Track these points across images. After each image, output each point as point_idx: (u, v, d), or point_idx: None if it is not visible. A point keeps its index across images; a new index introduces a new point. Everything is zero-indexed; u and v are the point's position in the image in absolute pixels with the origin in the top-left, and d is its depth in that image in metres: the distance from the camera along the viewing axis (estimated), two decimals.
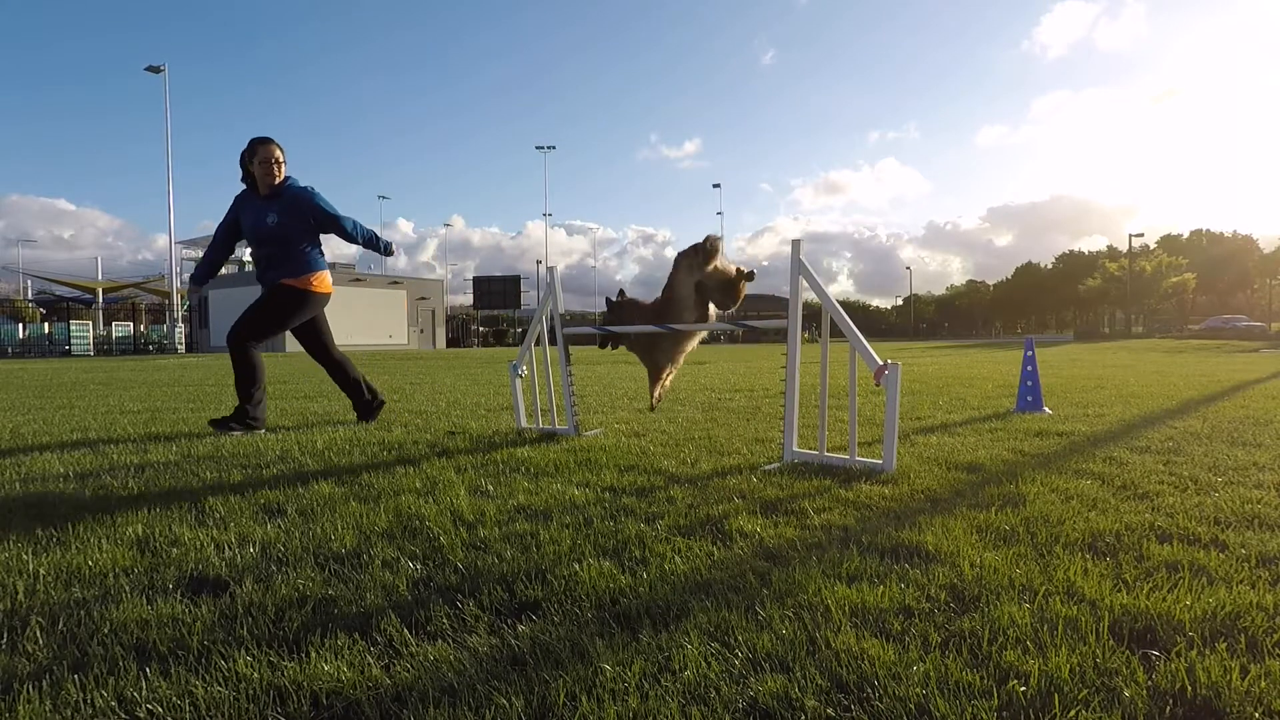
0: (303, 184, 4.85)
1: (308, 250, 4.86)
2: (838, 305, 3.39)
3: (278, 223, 4.74)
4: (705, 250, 4.00)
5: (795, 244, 3.49)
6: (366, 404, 5.17)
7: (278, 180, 4.77)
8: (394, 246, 5.22)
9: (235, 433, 4.59)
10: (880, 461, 3.28)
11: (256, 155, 4.75)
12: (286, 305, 4.83)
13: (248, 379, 4.72)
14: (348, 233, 4.90)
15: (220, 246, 5.03)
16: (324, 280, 4.95)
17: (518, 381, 4.81)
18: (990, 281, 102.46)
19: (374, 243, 5.05)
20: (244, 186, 4.89)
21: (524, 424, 4.77)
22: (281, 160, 4.79)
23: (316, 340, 5.09)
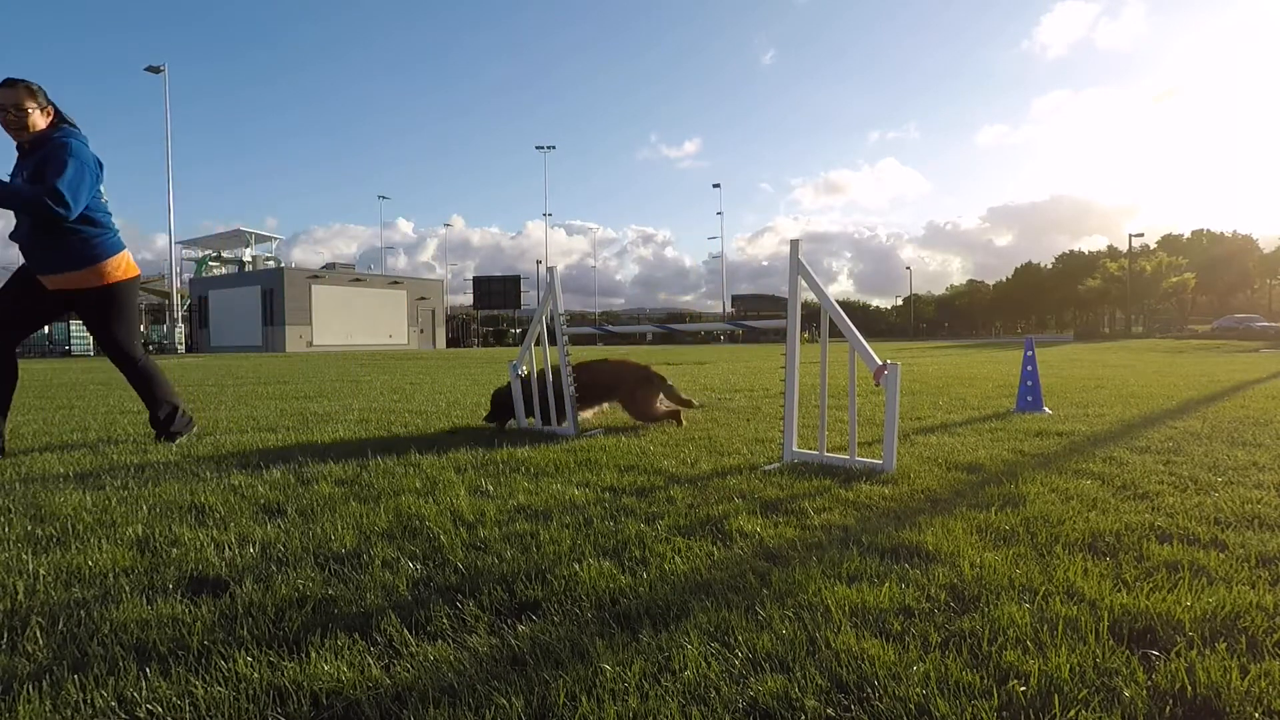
0: (79, 137, 3.84)
1: (83, 229, 3.84)
2: (836, 305, 3.39)
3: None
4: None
5: (793, 244, 3.49)
6: (161, 423, 4.31)
7: (28, 132, 3.77)
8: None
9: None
10: (880, 462, 3.28)
11: None
12: (113, 303, 4.04)
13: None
14: (44, 200, 3.62)
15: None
16: (125, 264, 4.04)
17: (517, 381, 4.80)
18: (990, 281, 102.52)
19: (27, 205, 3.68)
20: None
21: (524, 423, 4.77)
22: (27, 108, 3.74)
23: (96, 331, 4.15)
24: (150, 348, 40.02)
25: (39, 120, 3.81)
